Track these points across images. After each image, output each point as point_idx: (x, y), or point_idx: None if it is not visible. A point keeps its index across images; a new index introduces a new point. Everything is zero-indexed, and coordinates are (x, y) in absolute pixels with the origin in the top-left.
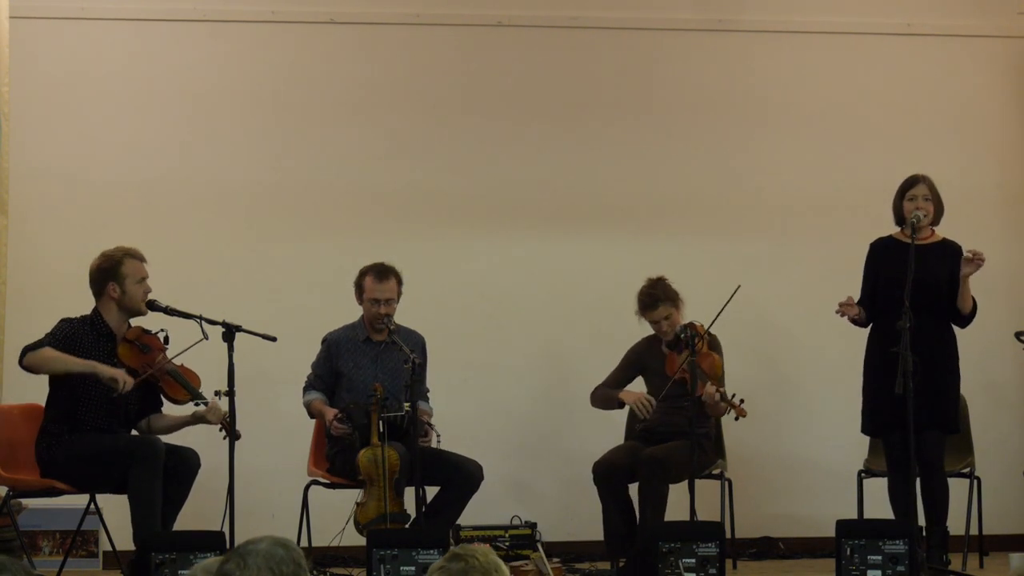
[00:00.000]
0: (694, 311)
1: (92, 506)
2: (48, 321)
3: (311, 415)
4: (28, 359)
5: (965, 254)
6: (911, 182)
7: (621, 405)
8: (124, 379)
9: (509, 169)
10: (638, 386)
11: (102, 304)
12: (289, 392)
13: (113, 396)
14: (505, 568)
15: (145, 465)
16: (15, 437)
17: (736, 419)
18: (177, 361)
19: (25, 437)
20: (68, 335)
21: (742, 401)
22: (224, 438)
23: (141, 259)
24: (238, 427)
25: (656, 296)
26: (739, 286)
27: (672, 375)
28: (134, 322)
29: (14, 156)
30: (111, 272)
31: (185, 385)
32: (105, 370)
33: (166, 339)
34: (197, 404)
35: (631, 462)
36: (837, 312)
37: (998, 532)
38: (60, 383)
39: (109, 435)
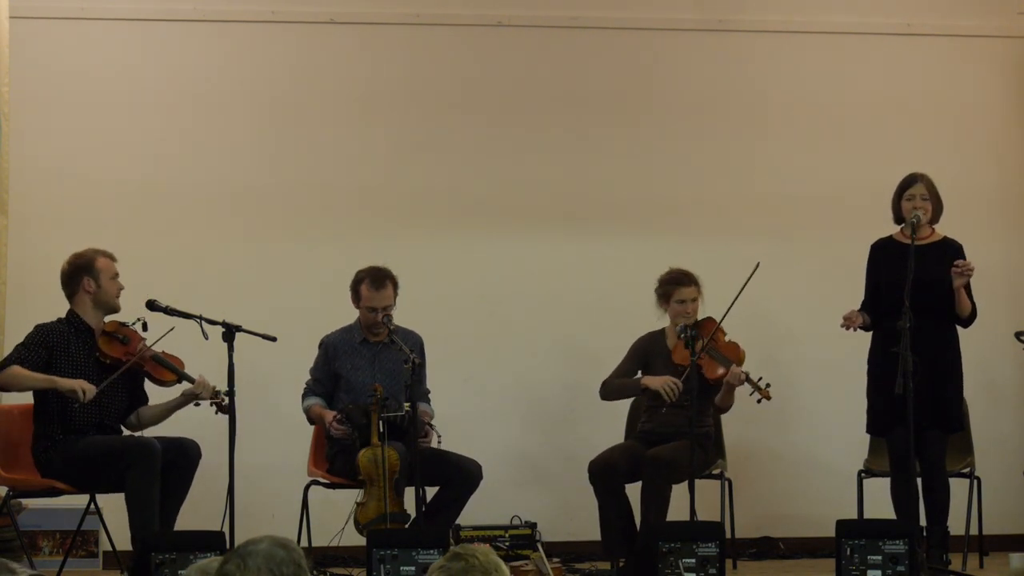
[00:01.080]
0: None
1: (92, 506)
2: (47, 321)
3: (311, 421)
4: None
5: (953, 268)
6: (909, 181)
7: (642, 391)
8: (84, 389)
9: (509, 169)
10: None
11: (77, 303)
12: (289, 392)
13: (75, 406)
14: (505, 568)
15: (141, 467)
16: (15, 437)
17: (759, 401)
18: (157, 348)
19: (25, 437)
20: (42, 341)
21: (768, 385)
22: (216, 413)
23: (112, 258)
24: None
25: (688, 275)
26: (758, 264)
27: (684, 364)
28: (109, 318)
29: (14, 156)
30: (85, 268)
31: (170, 367)
32: (64, 383)
33: (144, 326)
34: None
35: (630, 462)
36: (842, 326)
37: (998, 532)
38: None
39: (104, 436)
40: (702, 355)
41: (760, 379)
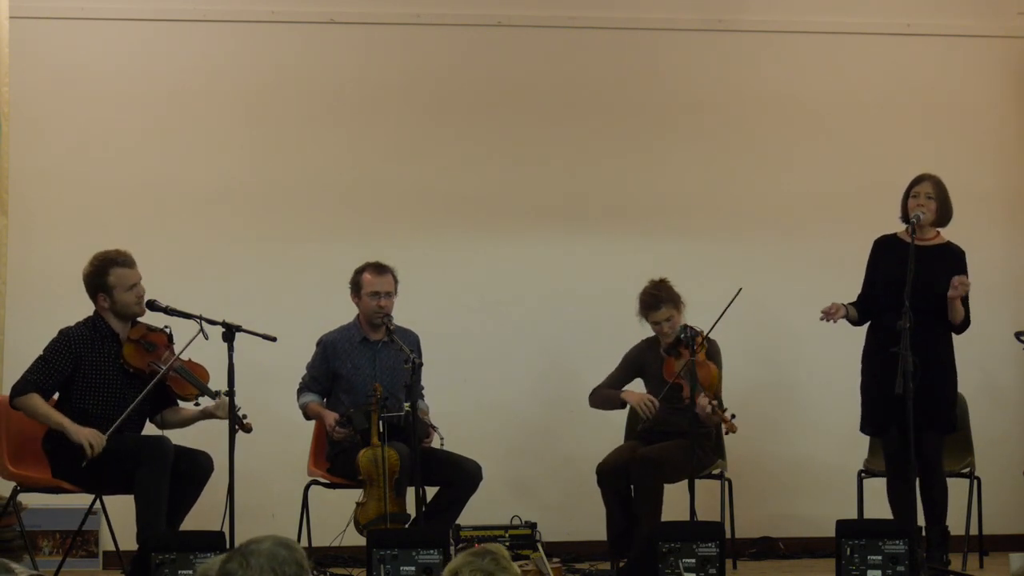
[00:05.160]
0: (694, 311)
1: (94, 506)
2: (48, 321)
3: (307, 417)
4: (16, 403)
5: (952, 282)
6: (916, 180)
7: (623, 405)
8: (91, 442)
9: (509, 169)
10: (637, 387)
11: (99, 310)
12: (289, 392)
13: (83, 466)
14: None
15: (152, 465)
16: (23, 433)
17: (726, 433)
18: (184, 356)
19: (32, 433)
20: (65, 350)
21: (734, 416)
22: (237, 431)
23: (128, 265)
24: (250, 422)
25: (659, 297)
26: (740, 289)
27: (670, 380)
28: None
29: (14, 156)
30: (98, 284)
31: (193, 381)
32: (74, 433)
33: (170, 338)
34: (208, 397)
35: (630, 462)
36: (822, 319)
37: (998, 532)
38: (69, 384)
39: (118, 434)
40: (680, 378)
41: (726, 410)
